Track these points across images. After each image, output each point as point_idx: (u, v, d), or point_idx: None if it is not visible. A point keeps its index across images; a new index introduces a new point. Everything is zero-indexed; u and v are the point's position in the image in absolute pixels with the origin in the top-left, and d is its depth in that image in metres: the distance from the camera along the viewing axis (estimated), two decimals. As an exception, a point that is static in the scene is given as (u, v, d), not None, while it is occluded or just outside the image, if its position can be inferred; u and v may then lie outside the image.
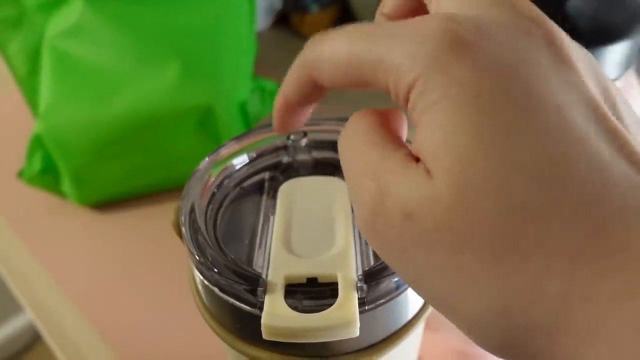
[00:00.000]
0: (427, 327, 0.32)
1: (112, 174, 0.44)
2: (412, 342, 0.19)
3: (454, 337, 0.31)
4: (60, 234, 0.46)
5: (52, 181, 0.45)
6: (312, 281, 0.16)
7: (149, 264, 0.43)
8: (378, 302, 0.15)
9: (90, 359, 0.36)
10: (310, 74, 0.15)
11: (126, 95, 0.42)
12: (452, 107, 0.11)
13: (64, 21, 0.43)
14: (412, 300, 0.16)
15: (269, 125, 0.21)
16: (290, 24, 0.68)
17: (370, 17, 0.16)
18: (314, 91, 0.15)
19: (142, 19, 0.43)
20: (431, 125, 0.12)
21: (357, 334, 0.14)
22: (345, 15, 0.67)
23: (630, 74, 0.22)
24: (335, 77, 0.14)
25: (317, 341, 0.14)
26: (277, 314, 0.14)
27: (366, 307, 0.15)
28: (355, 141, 0.14)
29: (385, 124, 0.14)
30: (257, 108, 0.50)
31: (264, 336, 0.14)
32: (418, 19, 0.13)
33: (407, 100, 0.12)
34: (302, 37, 0.71)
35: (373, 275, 0.15)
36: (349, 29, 0.14)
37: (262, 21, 0.67)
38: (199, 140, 0.45)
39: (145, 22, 0.43)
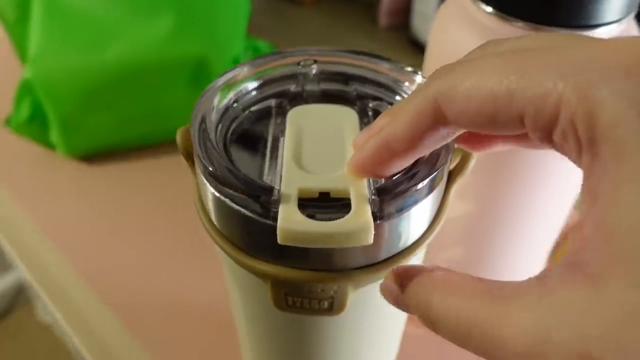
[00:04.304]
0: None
1: (101, 124, 0.43)
2: (417, 261, 0.19)
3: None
4: (47, 185, 0.45)
5: (40, 130, 0.45)
6: (324, 196, 0.16)
7: (138, 215, 0.43)
8: (389, 217, 0.15)
9: (80, 305, 0.36)
10: (437, 107, 0.13)
11: (119, 43, 0.41)
12: None
13: (55, -35, 0.42)
14: (419, 219, 0.17)
15: (278, 52, 0.21)
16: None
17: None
18: (429, 128, 0.14)
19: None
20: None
21: (371, 241, 0.15)
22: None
23: (631, 21, 0.22)
24: (466, 110, 0.13)
25: (331, 247, 0.15)
26: (293, 219, 0.14)
27: (377, 222, 0.15)
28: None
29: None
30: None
31: (279, 241, 0.14)
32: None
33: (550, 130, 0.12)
34: (294, 2, 0.70)
35: (384, 191, 0.15)
36: (486, 60, 0.13)
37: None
38: (192, 94, 0.44)
39: (140, -31, 0.42)
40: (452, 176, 0.19)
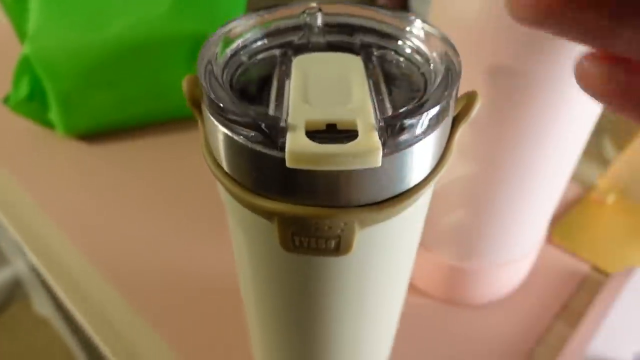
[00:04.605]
0: (421, 245, 0.33)
1: (100, 102, 0.44)
2: (422, 208, 0.19)
3: (446, 255, 0.32)
4: (46, 165, 0.45)
5: (39, 109, 0.45)
6: (331, 128, 0.16)
7: (139, 192, 0.43)
8: (396, 149, 0.15)
9: (81, 283, 0.36)
10: None
11: (119, 20, 0.41)
12: None
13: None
14: (424, 157, 0.17)
15: (284, 4, 0.21)
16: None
17: None
18: None
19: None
20: None
21: (379, 163, 0.15)
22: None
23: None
24: None
25: (339, 168, 0.15)
26: (301, 143, 0.14)
27: (385, 151, 0.15)
28: None
29: None
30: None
31: (288, 163, 0.14)
32: None
33: None
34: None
35: (392, 122, 0.15)
36: None
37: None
38: (192, 71, 0.44)
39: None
40: (456, 121, 0.19)
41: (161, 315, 0.34)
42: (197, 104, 0.19)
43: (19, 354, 1.02)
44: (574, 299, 0.36)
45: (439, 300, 0.35)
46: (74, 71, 0.41)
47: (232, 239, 0.22)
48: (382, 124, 0.15)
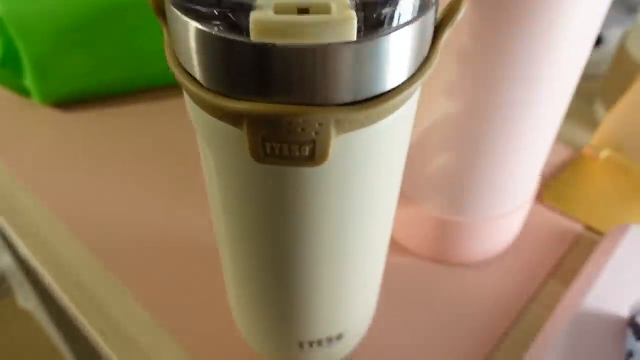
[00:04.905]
0: (407, 199, 0.32)
1: (76, 66, 0.42)
2: (405, 121, 0.18)
3: (433, 207, 0.31)
4: (22, 132, 0.43)
5: (13, 75, 0.43)
6: (303, 13, 0.15)
7: (116, 159, 0.41)
8: (373, 35, 0.14)
9: (63, 255, 0.35)
10: None
11: (95, -21, 0.40)
12: None
13: None
14: (404, 53, 0.15)
15: None
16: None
17: None
18: None
19: None
20: None
21: (354, 37, 0.13)
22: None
23: None
24: None
25: (310, 43, 0.13)
26: (268, 14, 0.13)
27: (360, 34, 0.14)
28: None
29: None
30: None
31: (252, 37, 0.13)
32: None
33: None
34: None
35: (369, 6, 0.14)
36: None
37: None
38: (172, 37, 0.43)
39: None
40: (440, 27, 0.18)
41: (141, 278, 0.33)
42: (159, 10, 0.18)
43: (3, 346, 1.00)
44: (568, 257, 0.35)
45: (426, 259, 0.34)
46: (48, 32, 0.40)
47: (203, 165, 0.20)
48: (357, 4, 0.14)
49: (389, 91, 0.16)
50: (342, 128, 0.16)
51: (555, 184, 0.38)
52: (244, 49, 0.14)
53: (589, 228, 0.36)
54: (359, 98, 0.16)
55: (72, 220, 0.36)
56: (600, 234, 0.36)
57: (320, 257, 0.20)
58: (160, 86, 0.47)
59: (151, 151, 0.41)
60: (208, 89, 0.16)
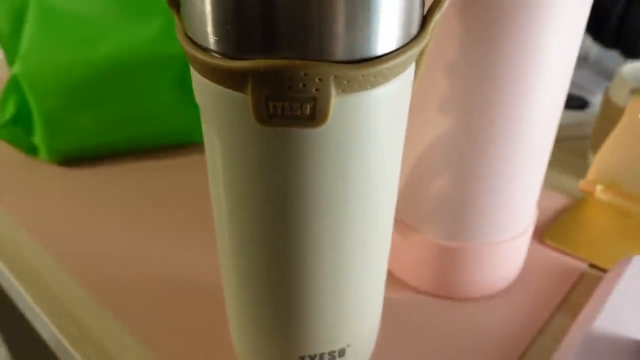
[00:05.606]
0: (406, 227, 0.32)
1: (84, 124, 0.44)
2: (402, 92, 0.19)
3: (433, 234, 0.31)
4: (29, 188, 0.44)
5: (23, 133, 0.45)
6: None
7: (121, 214, 0.42)
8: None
9: (63, 295, 0.34)
10: None
11: (107, 42, 0.43)
12: None
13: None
14: (397, 17, 0.17)
15: None
16: None
17: None
18: None
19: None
20: None
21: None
22: None
23: None
24: None
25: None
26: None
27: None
28: None
29: None
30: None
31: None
32: None
33: None
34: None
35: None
36: None
37: None
38: (178, 97, 0.45)
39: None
40: (430, 12, 0.19)
41: (142, 319, 0.32)
42: (175, 2, 0.20)
43: None
44: (573, 293, 0.34)
45: (428, 294, 0.33)
46: (60, 89, 0.42)
47: (207, 153, 0.21)
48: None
49: (382, 55, 0.17)
50: (341, 86, 0.17)
51: (555, 226, 0.38)
52: (251, 2, 0.15)
53: (593, 266, 0.36)
54: (355, 57, 0.17)
55: (76, 267, 0.36)
56: (604, 271, 0.36)
57: (323, 236, 0.20)
58: (164, 145, 0.48)
59: (152, 205, 0.42)
60: (217, 55, 0.17)
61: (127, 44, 0.43)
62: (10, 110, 0.43)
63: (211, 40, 0.17)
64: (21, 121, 0.44)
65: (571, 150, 0.49)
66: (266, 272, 0.22)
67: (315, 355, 0.24)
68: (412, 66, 0.20)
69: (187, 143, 0.49)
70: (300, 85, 0.16)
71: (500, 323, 0.32)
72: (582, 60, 0.63)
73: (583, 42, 0.62)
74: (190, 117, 0.46)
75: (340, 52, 0.16)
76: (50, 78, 0.42)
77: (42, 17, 0.43)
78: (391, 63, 0.17)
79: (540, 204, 0.41)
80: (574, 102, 0.53)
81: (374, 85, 0.17)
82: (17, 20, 0.45)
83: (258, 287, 0.22)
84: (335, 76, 0.16)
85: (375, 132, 0.19)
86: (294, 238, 0.20)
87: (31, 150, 0.46)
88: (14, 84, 0.43)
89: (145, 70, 0.44)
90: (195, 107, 0.46)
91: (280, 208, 0.19)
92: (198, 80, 0.19)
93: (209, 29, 0.17)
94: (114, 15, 0.44)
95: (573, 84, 0.58)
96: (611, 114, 0.41)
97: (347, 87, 0.17)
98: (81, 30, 0.43)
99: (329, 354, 0.25)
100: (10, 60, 0.46)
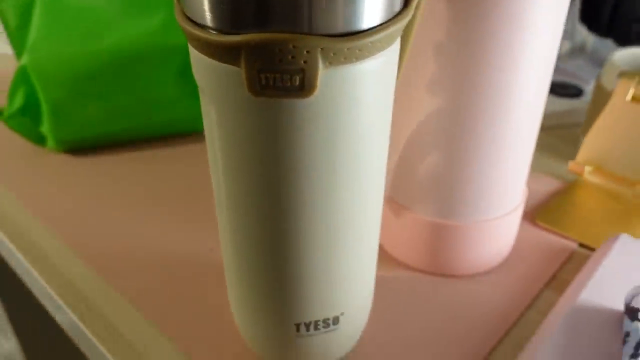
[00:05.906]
0: (398, 206, 0.33)
1: (91, 113, 0.45)
2: (388, 66, 0.20)
3: (424, 212, 0.32)
4: (37, 176, 0.46)
5: (31, 123, 0.46)
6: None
7: (126, 202, 0.43)
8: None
9: (81, 286, 0.35)
10: None
11: (112, 34, 0.44)
12: None
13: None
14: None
15: None
16: None
17: None
18: None
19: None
20: None
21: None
22: None
23: None
24: None
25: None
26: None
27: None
28: None
29: None
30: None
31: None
32: None
33: None
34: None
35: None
36: None
37: None
38: (180, 88, 0.46)
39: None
40: (414, -8, 0.20)
41: (146, 294, 0.33)
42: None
43: None
44: (563, 270, 0.35)
45: (420, 271, 0.34)
46: (66, 80, 0.43)
47: (205, 128, 0.22)
48: None
49: (367, 30, 0.18)
50: (328, 58, 0.18)
51: (546, 208, 0.39)
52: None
53: (583, 245, 0.37)
54: (341, 31, 0.18)
55: (82, 247, 0.37)
56: (594, 250, 0.37)
57: (314, 206, 0.21)
58: (167, 134, 0.50)
59: (155, 191, 0.43)
60: (213, 31, 0.18)
61: (131, 36, 0.44)
62: (18, 100, 0.45)
63: (207, 18, 0.18)
64: (29, 111, 0.45)
65: (564, 137, 0.50)
66: (261, 243, 0.23)
67: (310, 323, 0.26)
68: (397, 42, 0.21)
69: (189, 132, 0.50)
70: (290, 57, 0.18)
71: (489, 299, 0.33)
72: (578, 50, 0.64)
73: (579, 33, 0.63)
74: (192, 107, 0.48)
75: (327, 27, 0.18)
76: (57, 69, 0.43)
77: (49, 10, 0.45)
78: (375, 37, 0.18)
79: (532, 188, 0.43)
80: (569, 91, 0.55)
81: (359, 58, 0.19)
82: (25, 14, 0.47)
83: (254, 258, 0.24)
84: (322, 49, 0.18)
85: (362, 105, 0.20)
86: (287, 209, 0.21)
87: (39, 139, 0.47)
88: (22, 75, 0.44)
89: (148, 62, 0.45)
90: (196, 97, 0.48)
91: (272, 179, 0.21)
92: (196, 57, 0.20)
93: (205, 6, 0.18)
94: (118, 7, 0.45)
95: (568, 73, 0.59)
96: (602, 100, 0.42)
97: (334, 59, 0.18)
98: (86, 22, 0.44)
99: (324, 321, 0.26)
100: (19, 53, 0.48)
